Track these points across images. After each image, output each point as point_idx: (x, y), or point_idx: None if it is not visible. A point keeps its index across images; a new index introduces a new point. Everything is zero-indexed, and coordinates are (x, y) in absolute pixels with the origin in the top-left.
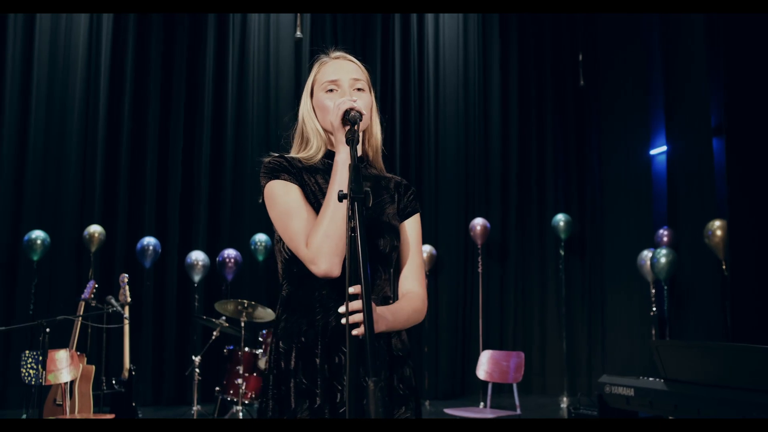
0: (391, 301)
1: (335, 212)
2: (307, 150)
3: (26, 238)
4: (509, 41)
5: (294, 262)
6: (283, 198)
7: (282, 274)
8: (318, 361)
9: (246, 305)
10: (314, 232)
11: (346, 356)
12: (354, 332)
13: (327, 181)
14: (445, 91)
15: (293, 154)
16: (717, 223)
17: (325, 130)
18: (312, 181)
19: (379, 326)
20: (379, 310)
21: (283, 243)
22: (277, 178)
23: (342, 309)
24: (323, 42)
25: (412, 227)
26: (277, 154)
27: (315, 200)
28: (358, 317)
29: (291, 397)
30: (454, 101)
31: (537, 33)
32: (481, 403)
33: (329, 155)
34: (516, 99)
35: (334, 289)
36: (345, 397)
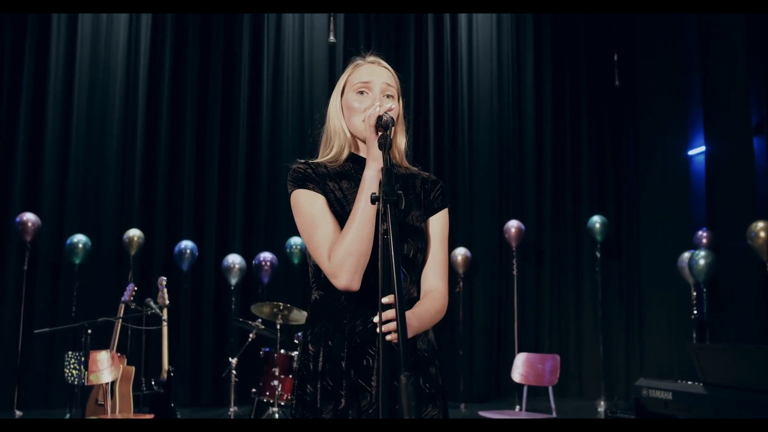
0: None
1: (359, 228)
2: (329, 151)
3: (68, 242)
4: (543, 41)
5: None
6: (307, 208)
7: (312, 278)
8: (344, 364)
9: (282, 308)
10: (337, 247)
11: (376, 359)
12: (388, 338)
13: (351, 186)
14: (479, 91)
15: (319, 157)
16: (760, 224)
17: (350, 131)
18: (336, 188)
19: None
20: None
21: None
22: (303, 187)
23: (377, 319)
24: (357, 46)
25: (438, 222)
26: (302, 161)
27: (339, 207)
28: (392, 325)
29: (317, 398)
30: (488, 102)
31: (571, 33)
32: (517, 407)
33: (353, 158)
34: (550, 99)
35: (361, 294)
36: (373, 400)
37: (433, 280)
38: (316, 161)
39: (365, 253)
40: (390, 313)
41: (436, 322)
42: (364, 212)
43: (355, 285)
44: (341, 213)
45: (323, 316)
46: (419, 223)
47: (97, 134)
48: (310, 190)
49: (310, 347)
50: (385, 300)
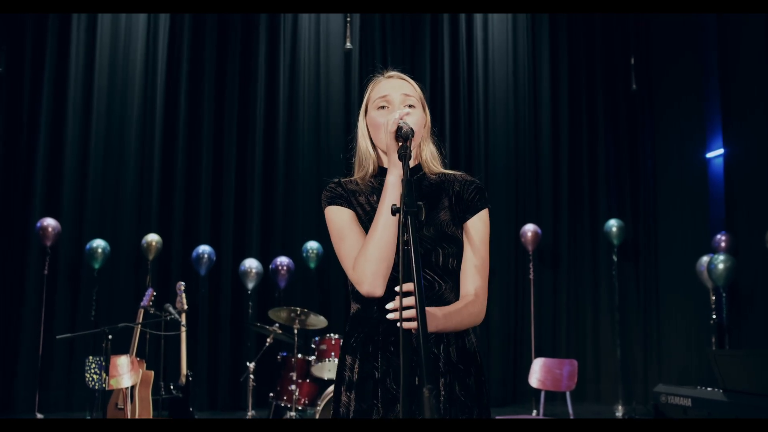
0: None
1: (380, 235)
2: (361, 171)
3: (88, 246)
4: (559, 43)
5: None
6: (336, 223)
7: (350, 292)
8: (378, 373)
9: (299, 312)
10: (359, 256)
11: (400, 359)
12: (407, 325)
13: (376, 200)
14: (495, 94)
15: (354, 176)
16: None
17: (375, 148)
18: (365, 202)
19: (429, 326)
20: (431, 310)
21: None
22: (331, 204)
23: (390, 305)
24: (372, 49)
25: (474, 225)
26: (334, 181)
27: (369, 221)
28: (411, 313)
29: (351, 407)
30: (504, 104)
31: (587, 36)
32: (534, 411)
33: (381, 172)
34: (566, 102)
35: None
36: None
37: (468, 286)
38: (347, 179)
39: (387, 258)
40: (409, 303)
41: (468, 324)
42: (386, 219)
43: (379, 291)
44: (368, 226)
45: (359, 327)
46: (453, 228)
47: (116, 140)
48: (337, 205)
49: (348, 357)
50: (405, 288)
